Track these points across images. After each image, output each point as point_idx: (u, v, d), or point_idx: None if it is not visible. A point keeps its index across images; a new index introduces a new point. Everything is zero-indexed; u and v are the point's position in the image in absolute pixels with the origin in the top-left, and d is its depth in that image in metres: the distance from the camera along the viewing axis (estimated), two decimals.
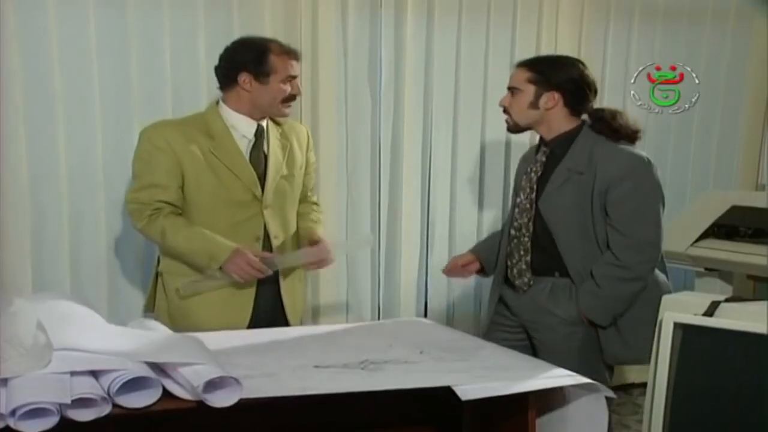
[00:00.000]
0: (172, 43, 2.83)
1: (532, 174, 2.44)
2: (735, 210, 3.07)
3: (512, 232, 2.48)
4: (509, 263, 2.49)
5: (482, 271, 2.67)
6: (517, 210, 2.46)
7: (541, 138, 2.48)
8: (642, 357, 2.39)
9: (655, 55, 3.55)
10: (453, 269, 2.69)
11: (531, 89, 2.39)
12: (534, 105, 2.39)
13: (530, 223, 2.42)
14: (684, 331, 2.07)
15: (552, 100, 2.38)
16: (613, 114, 2.41)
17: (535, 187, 2.42)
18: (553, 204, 2.38)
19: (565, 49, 3.42)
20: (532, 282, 2.43)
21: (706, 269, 3.16)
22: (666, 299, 2.19)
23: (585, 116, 2.44)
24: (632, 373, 3.73)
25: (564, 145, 2.40)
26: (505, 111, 2.46)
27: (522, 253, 2.44)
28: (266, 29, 2.87)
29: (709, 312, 2.07)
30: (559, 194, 2.37)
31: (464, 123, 3.33)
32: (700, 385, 2.03)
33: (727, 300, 2.12)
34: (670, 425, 2.06)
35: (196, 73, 2.86)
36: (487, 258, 2.63)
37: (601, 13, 3.52)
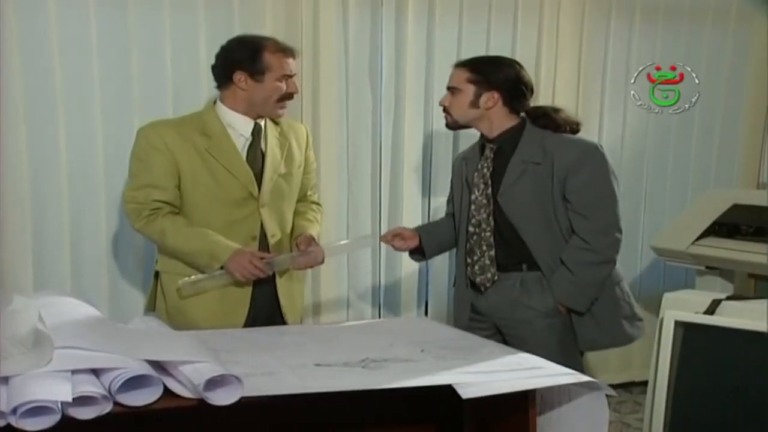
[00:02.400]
0: (172, 42, 2.84)
1: (485, 170, 2.47)
2: (736, 208, 3.07)
3: (470, 229, 2.49)
4: (469, 261, 2.50)
5: (418, 252, 2.65)
6: (473, 207, 2.48)
7: (482, 135, 2.52)
8: (615, 341, 2.43)
9: (656, 55, 3.56)
10: (395, 238, 2.61)
11: (471, 89, 2.45)
12: (474, 104, 2.45)
13: (490, 218, 2.44)
14: (685, 329, 2.08)
15: (491, 99, 2.43)
16: (555, 109, 2.51)
17: (489, 182, 2.45)
18: (513, 197, 2.41)
19: (566, 48, 3.43)
20: (496, 277, 2.45)
21: (707, 267, 3.17)
22: (667, 297, 2.19)
23: (523, 114, 2.49)
24: (633, 371, 3.73)
25: (510, 141, 2.45)
26: (445, 110, 2.52)
27: (484, 248, 2.46)
28: (267, 28, 2.88)
29: (710, 310, 2.08)
30: (518, 187, 2.41)
31: None
32: (701, 383, 2.04)
33: (728, 298, 2.13)
34: (671, 423, 2.07)
35: (197, 72, 2.86)
36: (428, 241, 2.63)
37: (602, 13, 3.52)
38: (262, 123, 2.46)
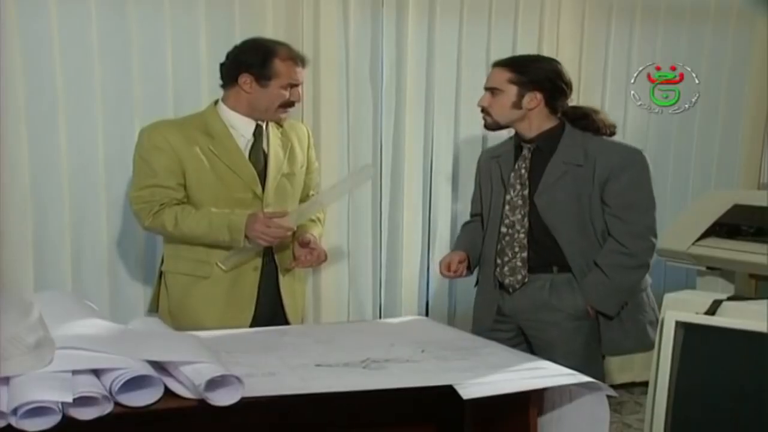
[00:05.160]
0: (173, 42, 2.83)
1: (522, 170, 2.44)
2: (737, 209, 3.07)
3: (503, 229, 2.47)
4: (499, 262, 2.48)
5: (468, 267, 2.63)
6: (507, 207, 2.46)
7: (517, 135, 2.49)
8: (639, 345, 2.43)
9: (657, 55, 3.55)
10: (454, 267, 2.58)
11: (513, 90, 2.42)
12: (517, 105, 2.41)
13: (525, 220, 2.42)
14: (686, 329, 2.07)
15: (534, 100, 2.41)
16: (595, 111, 2.50)
17: (527, 183, 2.43)
18: (551, 198, 2.39)
19: (566, 49, 3.43)
20: (526, 279, 2.43)
21: (708, 268, 3.16)
22: (668, 298, 2.19)
23: (559, 114, 2.47)
24: (634, 372, 3.73)
25: (550, 141, 2.43)
26: (484, 111, 2.48)
27: (516, 249, 2.44)
28: (268, 29, 2.88)
29: (711, 311, 2.07)
30: (557, 188, 2.39)
31: (465, 122, 3.33)
32: (702, 384, 2.03)
33: (728, 299, 2.12)
34: (671, 424, 2.06)
35: (197, 72, 2.86)
36: (472, 254, 2.61)
37: (603, 13, 3.52)
38: (264, 124, 2.46)
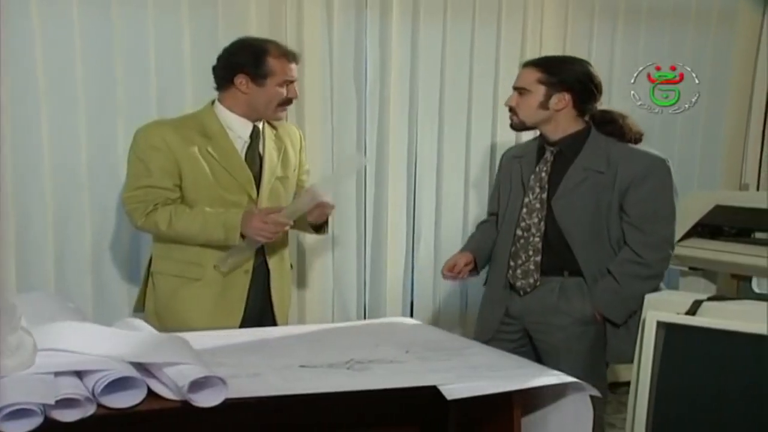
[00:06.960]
0: (156, 43, 2.83)
1: (542, 174, 2.42)
2: (718, 209, 3.09)
3: (518, 232, 2.44)
4: (512, 264, 2.46)
5: (474, 269, 2.61)
6: (525, 210, 2.44)
7: (541, 137, 2.47)
8: None
9: (639, 55, 3.58)
10: (458, 269, 2.56)
11: (541, 90, 2.39)
12: (544, 106, 2.39)
13: (541, 224, 2.40)
14: (667, 329, 2.08)
15: (563, 101, 2.38)
16: (623, 116, 2.45)
17: (546, 186, 2.41)
18: (569, 203, 2.37)
19: (549, 50, 3.44)
20: (538, 283, 2.42)
21: (690, 268, 3.19)
22: (649, 298, 2.21)
23: (587, 118, 2.44)
24: (618, 372, 3.74)
25: (573, 145, 2.40)
26: (511, 110, 2.45)
27: (531, 253, 2.42)
28: (252, 30, 2.87)
29: (692, 311, 2.08)
30: (576, 193, 2.36)
31: (449, 122, 3.34)
32: (683, 384, 2.05)
33: (709, 299, 2.14)
34: (653, 424, 2.07)
35: (181, 73, 2.86)
36: (481, 255, 2.59)
37: (586, 13, 3.55)
38: (260, 126, 2.45)
